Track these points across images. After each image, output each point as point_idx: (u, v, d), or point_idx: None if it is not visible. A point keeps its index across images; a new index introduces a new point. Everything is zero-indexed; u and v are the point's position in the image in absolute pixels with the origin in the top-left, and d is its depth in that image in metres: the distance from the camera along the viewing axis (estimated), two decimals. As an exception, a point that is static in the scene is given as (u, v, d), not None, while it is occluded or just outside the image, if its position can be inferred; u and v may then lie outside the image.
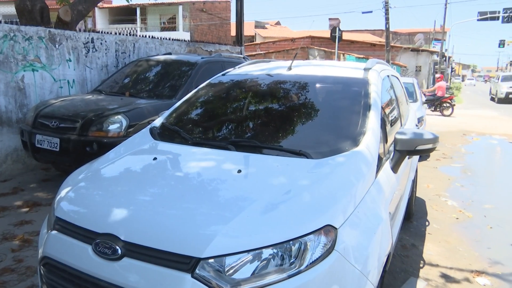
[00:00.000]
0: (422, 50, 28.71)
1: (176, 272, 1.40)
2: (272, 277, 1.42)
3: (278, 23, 45.95)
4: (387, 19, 20.75)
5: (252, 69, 3.24)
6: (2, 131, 5.36)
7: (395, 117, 3.00)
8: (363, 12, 21.58)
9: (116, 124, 4.49)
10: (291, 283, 1.42)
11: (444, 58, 36.09)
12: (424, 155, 2.49)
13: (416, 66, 28.27)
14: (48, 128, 4.62)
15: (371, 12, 20.73)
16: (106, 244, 1.53)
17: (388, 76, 3.25)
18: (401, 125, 3.20)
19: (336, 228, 1.56)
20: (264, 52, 27.67)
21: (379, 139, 2.24)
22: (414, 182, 4.19)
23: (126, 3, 9.28)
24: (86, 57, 6.35)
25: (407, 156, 2.90)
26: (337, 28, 15.48)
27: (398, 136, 2.32)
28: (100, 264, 1.52)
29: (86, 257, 1.56)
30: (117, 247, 1.50)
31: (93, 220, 1.64)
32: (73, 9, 7.21)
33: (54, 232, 1.75)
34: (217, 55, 6.61)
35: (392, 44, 27.66)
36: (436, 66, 31.71)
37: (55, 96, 5.80)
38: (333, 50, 19.72)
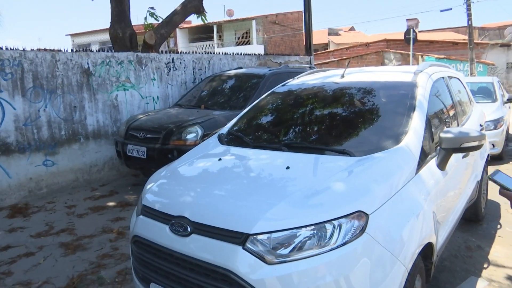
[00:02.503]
0: (514, 45, 26.20)
1: (231, 245, 1.76)
2: (309, 252, 1.71)
3: (352, 29, 45.23)
4: (469, 15, 19.51)
5: (309, 79, 3.53)
6: (100, 142, 6.28)
7: (448, 117, 3.07)
8: (441, 10, 20.54)
9: (193, 134, 5.07)
10: (324, 258, 1.69)
11: (541, 53, 32.43)
12: (467, 152, 2.56)
13: (507, 63, 25.82)
14: (137, 138, 5.35)
15: (450, 9, 19.65)
16: (179, 224, 1.94)
17: (443, 78, 3.32)
18: (458, 125, 3.24)
19: (367, 214, 1.80)
20: (338, 59, 27.49)
21: (421, 138, 2.39)
22: (482, 183, 4.09)
23: (207, 21, 10.08)
24: (167, 75, 7.14)
25: (462, 156, 2.98)
26: (411, 30, 14.99)
27: (443, 135, 2.45)
28: (175, 239, 1.93)
29: (164, 234, 1.99)
30: (187, 226, 1.91)
31: (170, 206, 2.08)
32: (157, 33, 8.13)
33: (141, 216, 2.22)
34: (283, 67, 6.99)
35: (477, 41, 25.69)
36: (532, 62, 28.64)
37: (142, 111, 6.63)
38: (410, 53, 19.04)
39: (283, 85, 3.59)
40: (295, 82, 3.54)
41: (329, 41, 36.24)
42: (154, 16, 9.15)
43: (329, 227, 1.74)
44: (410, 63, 17.13)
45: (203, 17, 9.61)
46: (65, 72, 5.76)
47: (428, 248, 2.21)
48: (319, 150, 2.41)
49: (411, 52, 15.54)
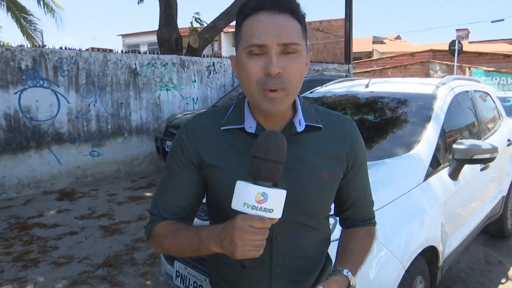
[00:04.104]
0: None
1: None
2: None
3: (398, 38, 44.30)
4: (523, 28, 18.62)
5: (335, 87, 3.71)
6: (142, 138, 6.74)
7: (468, 130, 3.15)
8: (492, 21, 19.79)
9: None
10: (325, 247, 1.89)
11: None
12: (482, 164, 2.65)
13: None
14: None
15: (502, 20, 18.88)
16: (202, 209, 2.21)
17: (467, 91, 3.40)
18: (479, 138, 3.30)
19: (368, 212, 1.97)
20: (380, 68, 27.08)
21: (433, 147, 2.52)
22: (509, 198, 4.07)
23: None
24: (207, 78, 7.52)
25: (479, 168, 3.05)
26: (456, 41, 14.61)
27: (455, 146, 2.56)
28: (197, 223, 2.20)
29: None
30: (208, 212, 2.17)
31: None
32: (201, 37, 8.56)
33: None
34: (319, 74, 7.16)
35: (532, 55, 24.38)
36: None
37: (182, 110, 7.04)
38: (455, 64, 18.49)
39: (310, 92, 3.79)
40: (322, 90, 3.73)
41: (373, 50, 35.74)
42: (199, 21, 9.60)
43: (332, 221, 1.94)
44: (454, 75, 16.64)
45: (245, 23, 9.96)
46: (114, 71, 6.27)
47: (432, 253, 2.33)
48: (334, 153, 2.60)
49: (455, 64, 15.12)
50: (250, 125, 1.02)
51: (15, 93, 5.30)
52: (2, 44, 6.17)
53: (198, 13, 9.57)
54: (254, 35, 0.93)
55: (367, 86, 3.41)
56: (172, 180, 1.07)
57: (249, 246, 0.82)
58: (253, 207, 0.81)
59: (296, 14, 0.97)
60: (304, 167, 1.02)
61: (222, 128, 1.05)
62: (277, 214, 0.83)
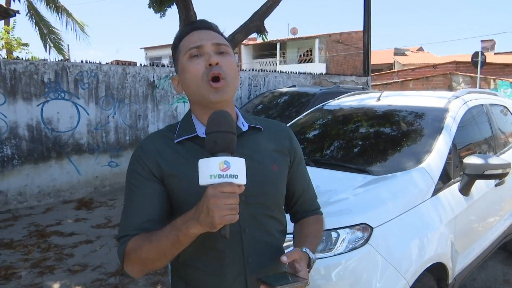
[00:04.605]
0: None
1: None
2: (316, 255, 1.91)
3: (420, 49, 43.73)
4: (550, 39, 18.13)
5: (347, 100, 3.71)
6: (159, 149, 6.85)
7: (482, 144, 3.09)
8: (518, 33, 19.28)
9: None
10: (327, 261, 1.88)
11: None
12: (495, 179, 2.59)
13: None
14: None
15: (528, 32, 18.34)
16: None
17: (482, 105, 3.34)
18: (495, 153, 3.22)
19: (372, 227, 1.96)
20: (402, 80, 26.72)
21: (443, 162, 2.48)
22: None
23: (268, 40, 10.56)
24: (224, 90, 7.61)
25: (494, 183, 2.98)
26: (480, 52, 14.32)
27: (466, 161, 2.52)
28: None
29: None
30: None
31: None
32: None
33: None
34: (335, 87, 7.15)
35: (561, 67, 23.58)
36: None
37: (199, 122, 7.13)
38: (480, 76, 18.06)
39: (322, 105, 3.80)
40: (334, 103, 3.73)
41: (394, 61, 35.37)
42: (218, 34, 9.74)
43: (334, 235, 1.93)
44: (477, 87, 16.28)
45: (263, 36, 10.06)
46: (133, 84, 6.44)
47: (442, 270, 2.28)
48: (342, 167, 2.60)
49: (478, 76, 14.81)
50: (202, 131, 1.11)
51: (37, 105, 5.51)
52: (27, 58, 6.44)
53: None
54: (191, 42, 1.11)
55: (378, 99, 3.39)
56: (135, 196, 1.09)
57: (225, 210, 0.86)
58: (219, 176, 0.88)
59: (224, 36, 1.19)
60: (256, 164, 1.12)
61: (176, 141, 1.12)
62: (242, 180, 0.90)
